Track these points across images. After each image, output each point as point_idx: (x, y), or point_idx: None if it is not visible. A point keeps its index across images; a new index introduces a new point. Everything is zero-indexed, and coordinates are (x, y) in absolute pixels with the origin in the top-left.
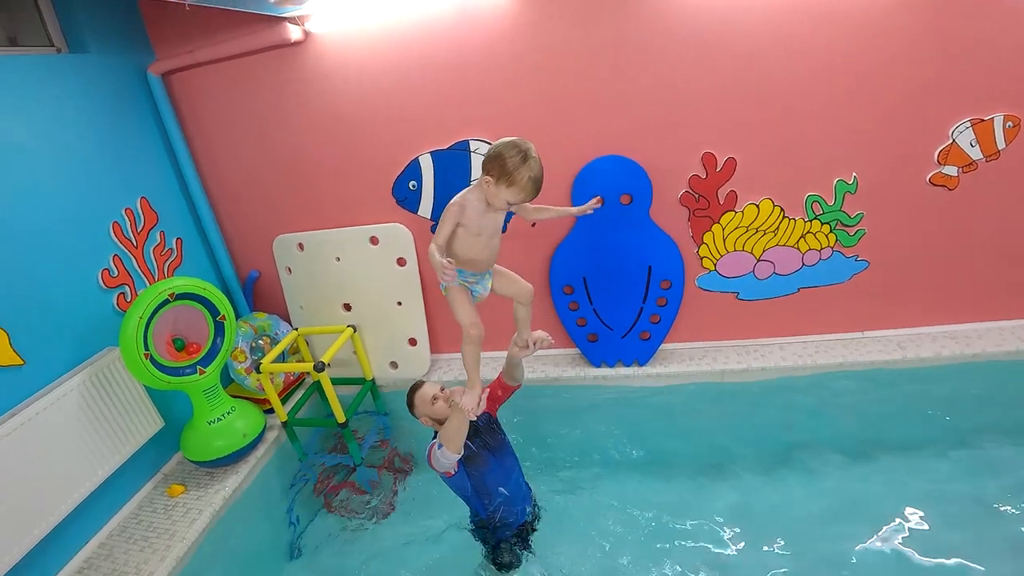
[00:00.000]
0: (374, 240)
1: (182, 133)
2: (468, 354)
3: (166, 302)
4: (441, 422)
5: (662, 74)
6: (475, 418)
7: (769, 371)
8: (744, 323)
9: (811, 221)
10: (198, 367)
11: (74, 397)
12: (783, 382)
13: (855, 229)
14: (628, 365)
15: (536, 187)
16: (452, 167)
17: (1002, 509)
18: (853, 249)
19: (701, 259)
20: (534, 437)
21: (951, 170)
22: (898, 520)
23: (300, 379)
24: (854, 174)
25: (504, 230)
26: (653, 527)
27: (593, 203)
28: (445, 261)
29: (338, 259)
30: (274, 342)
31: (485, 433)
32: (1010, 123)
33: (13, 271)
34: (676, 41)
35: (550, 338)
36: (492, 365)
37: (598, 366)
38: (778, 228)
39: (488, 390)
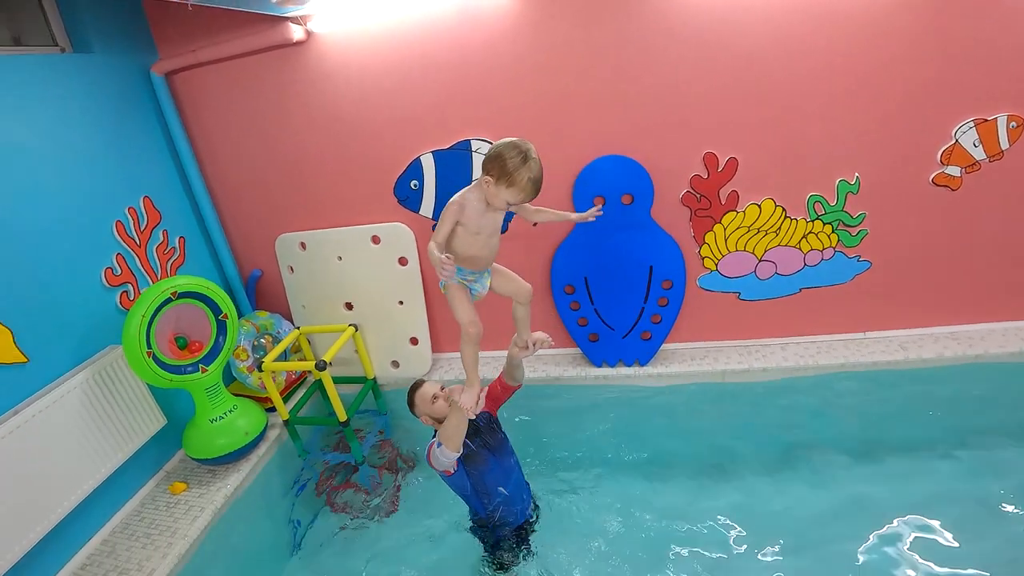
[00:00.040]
0: (376, 239)
1: (185, 132)
2: (467, 353)
3: (168, 300)
4: (441, 421)
5: (663, 74)
6: (474, 416)
7: (771, 371)
8: (746, 323)
9: (813, 221)
10: (200, 365)
11: (77, 395)
12: (785, 383)
13: (857, 229)
14: (629, 365)
15: (535, 188)
16: (454, 167)
17: (1006, 510)
18: (855, 249)
19: (702, 259)
20: (534, 436)
21: (954, 170)
22: (901, 522)
23: (302, 378)
24: (856, 174)
25: (505, 230)
26: (653, 527)
27: (594, 211)
28: (443, 256)
29: (340, 258)
30: (276, 341)
31: (485, 432)
32: (1014, 123)
33: (17, 269)
34: (677, 41)
35: (550, 339)
36: (493, 364)
37: (599, 366)
38: (780, 228)
39: (488, 390)
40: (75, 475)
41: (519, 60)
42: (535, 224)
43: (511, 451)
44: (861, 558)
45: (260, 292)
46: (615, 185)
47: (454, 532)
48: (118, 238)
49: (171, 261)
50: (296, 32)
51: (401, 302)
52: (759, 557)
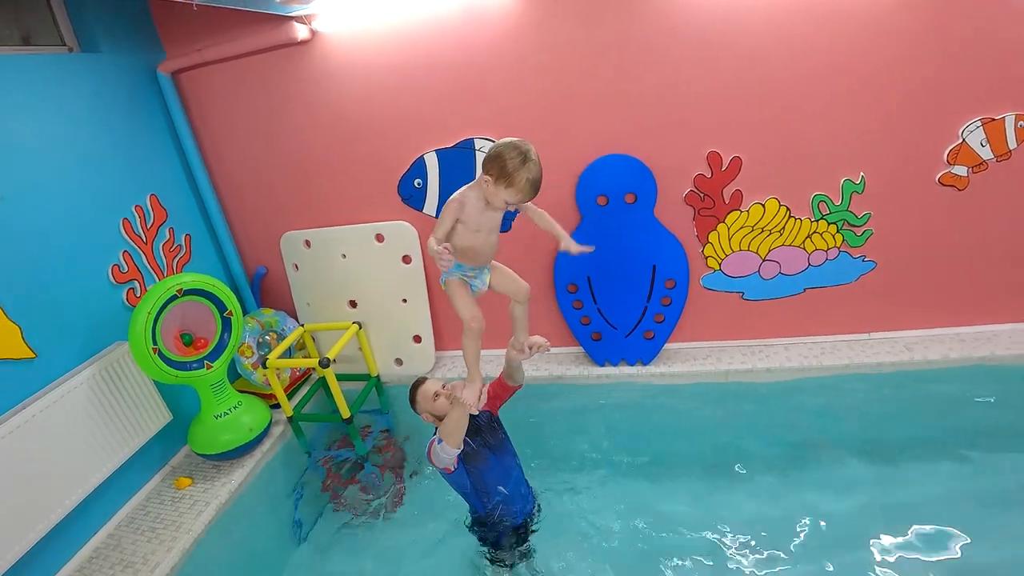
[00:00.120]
0: (379, 237)
1: (191, 131)
2: (468, 348)
3: (174, 298)
4: (442, 419)
5: (666, 73)
6: (476, 412)
7: (774, 372)
8: (749, 323)
9: (818, 221)
10: (205, 362)
11: (84, 390)
12: (788, 383)
13: (862, 229)
14: (632, 364)
15: (534, 189)
16: (457, 165)
17: (1016, 512)
18: (860, 249)
19: (706, 258)
20: (536, 435)
21: (961, 170)
22: (908, 523)
23: (306, 375)
24: (861, 174)
25: (508, 228)
26: (654, 527)
27: (586, 248)
28: (441, 247)
29: (344, 256)
30: (280, 338)
31: (486, 431)
32: (1021, 123)
33: (25, 267)
34: (680, 40)
35: (548, 343)
36: (495, 363)
37: (602, 365)
38: (784, 228)
39: (489, 389)
40: (82, 469)
41: (522, 59)
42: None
43: (512, 450)
44: (867, 559)
45: (265, 289)
46: (618, 184)
47: (455, 530)
48: (125, 236)
49: (177, 259)
50: (301, 31)
51: (405, 300)
52: (760, 557)
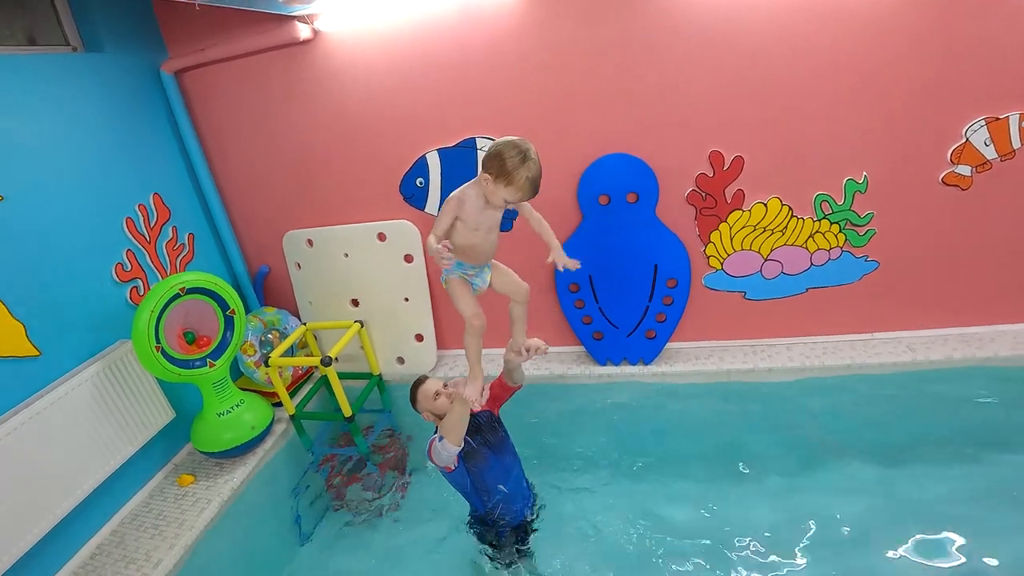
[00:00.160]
0: (381, 236)
1: (194, 130)
2: (470, 345)
3: (177, 296)
4: (442, 418)
5: (668, 72)
6: (478, 408)
7: (776, 372)
8: (751, 323)
9: (820, 220)
10: (208, 360)
11: (88, 388)
12: (790, 383)
13: (865, 229)
14: (633, 364)
15: (533, 188)
16: (459, 164)
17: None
18: (863, 249)
19: (708, 258)
20: (537, 434)
21: (964, 169)
22: (910, 525)
23: (308, 373)
24: (864, 173)
25: (510, 228)
26: (655, 527)
27: (572, 264)
28: (440, 245)
29: (346, 255)
30: (283, 336)
31: (486, 430)
32: None
33: (30, 265)
34: (682, 39)
35: (546, 346)
36: (496, 362)
37: (603, 364)
38: (786, 227)
39: (489, 389)
40: (86, 466)
41: (524, 58)
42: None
43: (512, 450)
44: (874, 561)
45: (268, 288)
46: (620, 183)
47: (456, 529)
48: (128, 234)
49: (180, 257)
50: (303, 31)
51: (407, 299)
52: (764, 560)
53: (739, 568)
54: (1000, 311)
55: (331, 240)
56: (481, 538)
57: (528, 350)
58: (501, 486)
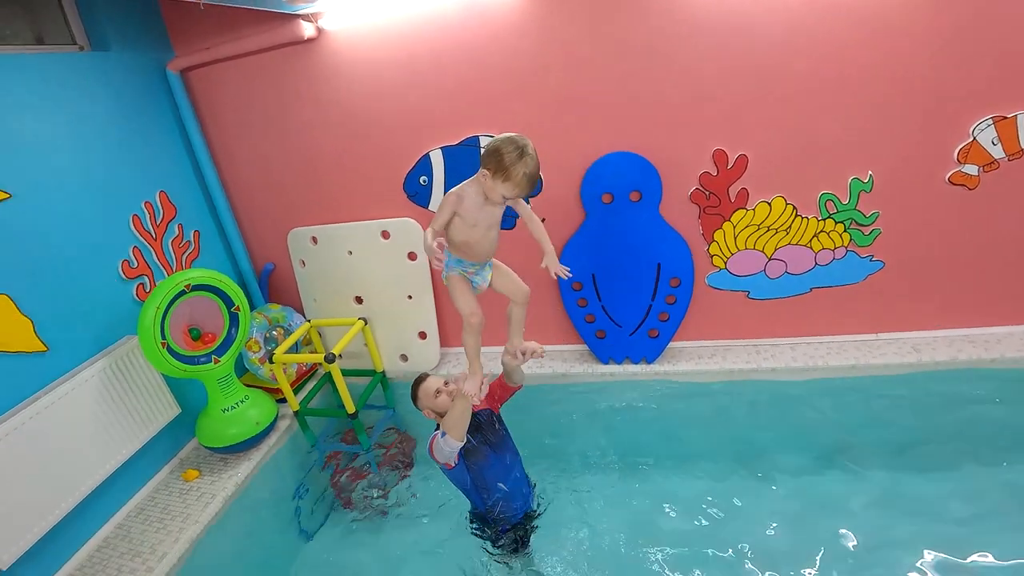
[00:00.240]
0: (385, 234)
1: (200, 128)
2: (469, 342)
3: (183, 293)
4: (443, 415)
5: (672, 70)
6: (478, 403)
7: (779, 371)
8: (754, 322)
9: (825, 220)
10: (213, 356)
11: (95, 383)
12: (794, 383)
13: (870, 228)
14: (636, 362)
15: (531, 183)
16: (462, 162)
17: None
18: (868, 249)
19: (711, 257)
20: (538, 433)
21: (971, 169)
22: (917, 526)
23: (312, 370)
24: (870, 172)
25: (512, 227)
26: (656, 527)
27: (563, 272)
28: (435, 244)
29: (350, 253)
30: (287, 333)
31: (487, 429)
32: None
33: (37, 262)
34: (687, 37)
35: (542, 349)
36: (497, 360)
37: (606, 363)
38: (790, 227)
39: (489, 388)
40: (92, 461)
41: (527, 57)
42: (543, 220)
43: (512, 448)
44: (884, 563)
45: (273, 285)
46: (623, 182)
47: (458, 527)
48: (135, 231)
49: (186, 254)
50: (307, 29)
51: (410, 296)
52: (762, 556)
53: (739, 564)
54: (1007, 312)
55: (335, 238)
56: (482, 536)
57: (524, 353)
58: (501, 484)
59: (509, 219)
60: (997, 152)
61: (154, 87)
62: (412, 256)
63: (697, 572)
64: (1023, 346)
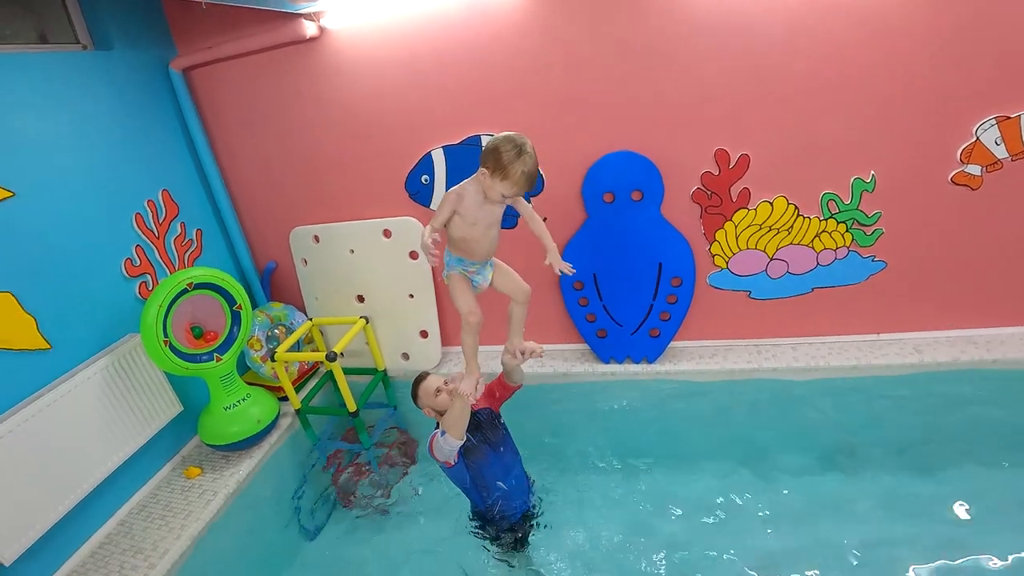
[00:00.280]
0: (387, 233)
1: (202, 127)
2: (466, 341)
3: (185, 291)
4: (443, 414)
5: (674, 70)
6: (473, 401)
7: (780, 371)
8: (756, 322)
9: (827, 220)
10: (215, 354)
11: (97, 381)
12: (794, 383)
13: (872, 229)
14: (637, 362)
15: (529, 181)
16: (463, 161)
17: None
18: (870, 249)
19: (713, 257)
20: (539, 432)
21: (974, 169)
22: (918, 529)
23: (314, 368)
24: (872, 172)
25: (514, 225)
26: (657, 527)
27: (567, 268)
28: (430, 242)
29: (352, 252)
30: (289, 332)
31: (486, 428)
32: None
33: (41, 260)
34: (688, 36)
35: (541, 349)
36: (498, 358)
37: (607, 362)
38: (792, 226)
39: (490, 388)
40: (94, 458)
41: (529, 56)
42: (544, 219)
43: (512, 447)
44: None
45: (274, 284)
46: (625, 181)
47: (458, 525)
48: (137, 230)
49: (188, 253)
50: (309, 28)
51: (411, 295)
52: (762, 556)
53: (738, 562)
54: (1009, 313)
55: (337, 236)
56: (481, 534)
57: (523, 353)
58: (500, 483)
59: (510, 218)
60: (1000, 152)
61: (157, 86)
62: (413, 255)
63: (697, 572)
64: None
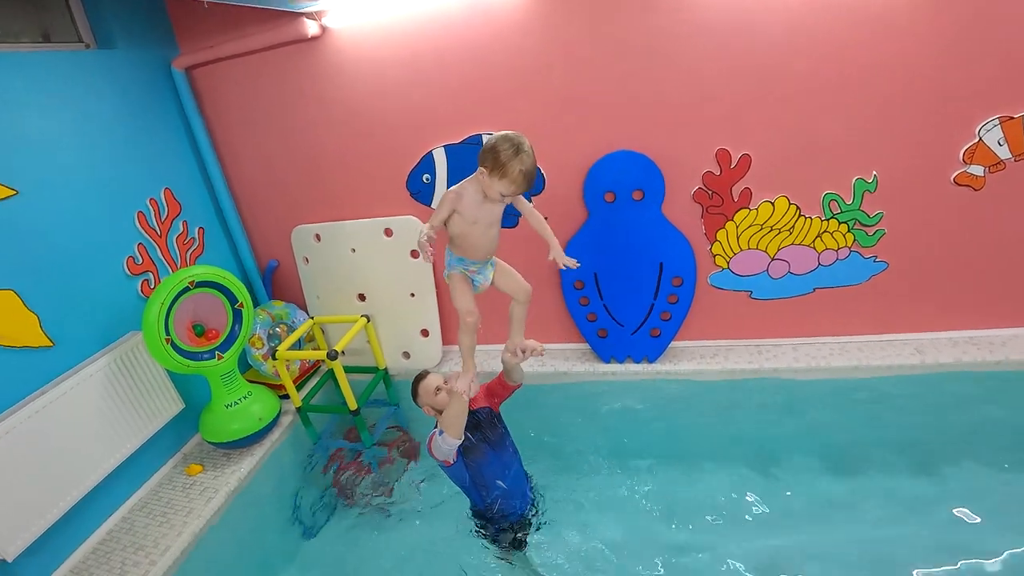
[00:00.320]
0: (388, 232)
1: (204, 126)
2: (463, 341)
3: (187, 289)
4: (443, 412)
5: (676, 69)
6: (467, 398)
7: (781, 372)
8: (757, 323)
9: (828, 220)
10: (217, 352)
11: (99, 378)
12: (795, 383)
13: (874, 229)
14: (638, 362)
15: (527, 180)
16: (465, 161)
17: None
18: (872, 250)
19: (714, 256)
20: (539, 431)
21: (977, 169)
22: (922, 531)
23: (315, 366)
24: (874, 172)
25: (515, 224)
26: (656, 527)
27: (571, 263)
28: (425, 239)
29: (353, 250)
30: (291, 330)
31: (486, 427)
32: None
33: (44, 258)
34: (690, 36)
35: (542, 347)
36: (499, 357)
37: (607, 362)
38: (794, 227)
39: (489, 387)
40: (96, 455)
41: (530, 55)
42: (546, 218)
43: (511, 447)
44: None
45: (276, 282)
46: (626, 180)
47: (460, 524)
48: (140, 228)
49: (190, 251)
50: (311, 28)
51: (413, 294)
52: (762, 555)
53: (739, 562)
54: (1011, 314)
55: (338, 235)
56: (481, 533)
57: (524, 351)
58: (500, 482)
59: (511, 217)
60: (1003, 153)
61: (159, 85)
62: (415, 254)
63: (697, 572)
64: None
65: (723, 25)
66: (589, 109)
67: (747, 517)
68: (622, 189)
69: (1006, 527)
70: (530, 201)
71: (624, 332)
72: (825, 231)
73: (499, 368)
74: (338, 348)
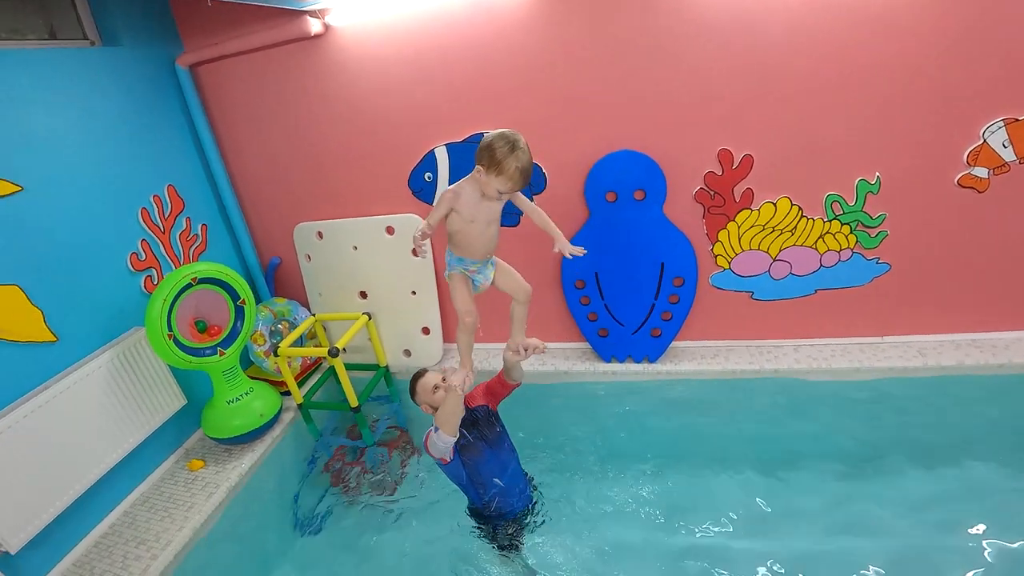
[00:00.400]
0: (390, 230)
1: (208, 123)
2: (461, 339)
3: (189, 286)
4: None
5: (678, 69)
6: (462, 393)
7: (782, 373)
8: (758, 323)
9: (831, 221)
10: (219, 349)
11: (102, 373)
12: (796, 385)
13: (877, 231)
14: (638, 361)
15: (524, 177)
16: (466, 159)
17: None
18: (874, 251)
19: (715, 257)
20: (539, 431)
21: (981, 171)
22: (924, 532)
23: (317, 363)
24: (877, 174)
25: (516, 224)
26: (656, 527)
27: (578, 251)
28: (419, 234)
29: (355, 248)
30: (292, 327)
31: (483, 425)
32: None
33: (48, 254)
34: (693, 36)
35: (543, 346)
36: (499, 355)
37: (608, 361)
38: (796, 227)
39: (489, 386)
40: (99, 449)
41: (533, 54)
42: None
43: (509, 445)
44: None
45: (278, 279)
46: (627, 180)
47: (456, 521)
48: (143, 224)
49: (193, 248)
50: (314, 26)
51: (414, 292)
52: (762, 555)
53: (738, 562)
54: (1014, 317)
55: (341, 233)
56: (479, 531)
57: (526, 349)
58: (497, 480)
59: (512, 216)
60: (1008, 155)
61: (163, 82)
62: (416, 252)
63: (696, 572)
64: None
65: (726, 24)
66: (591, 108)
67: (747, 517)
68: (623, 189)
69: (1009, 528)
70: (531, 199)
71: (625, 332)
72: (827, 232)
73: (499, 366)
74: (339, 345)
